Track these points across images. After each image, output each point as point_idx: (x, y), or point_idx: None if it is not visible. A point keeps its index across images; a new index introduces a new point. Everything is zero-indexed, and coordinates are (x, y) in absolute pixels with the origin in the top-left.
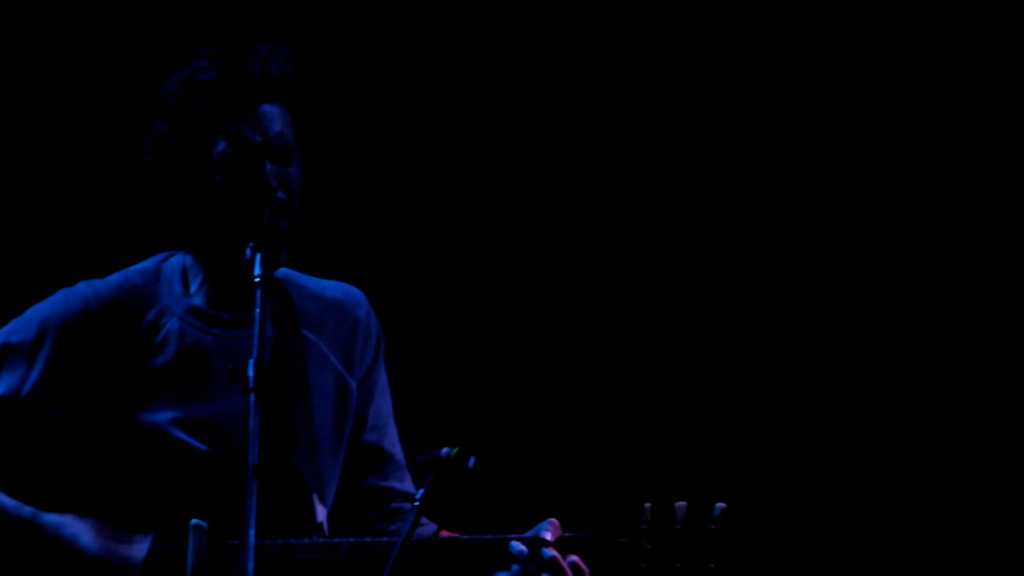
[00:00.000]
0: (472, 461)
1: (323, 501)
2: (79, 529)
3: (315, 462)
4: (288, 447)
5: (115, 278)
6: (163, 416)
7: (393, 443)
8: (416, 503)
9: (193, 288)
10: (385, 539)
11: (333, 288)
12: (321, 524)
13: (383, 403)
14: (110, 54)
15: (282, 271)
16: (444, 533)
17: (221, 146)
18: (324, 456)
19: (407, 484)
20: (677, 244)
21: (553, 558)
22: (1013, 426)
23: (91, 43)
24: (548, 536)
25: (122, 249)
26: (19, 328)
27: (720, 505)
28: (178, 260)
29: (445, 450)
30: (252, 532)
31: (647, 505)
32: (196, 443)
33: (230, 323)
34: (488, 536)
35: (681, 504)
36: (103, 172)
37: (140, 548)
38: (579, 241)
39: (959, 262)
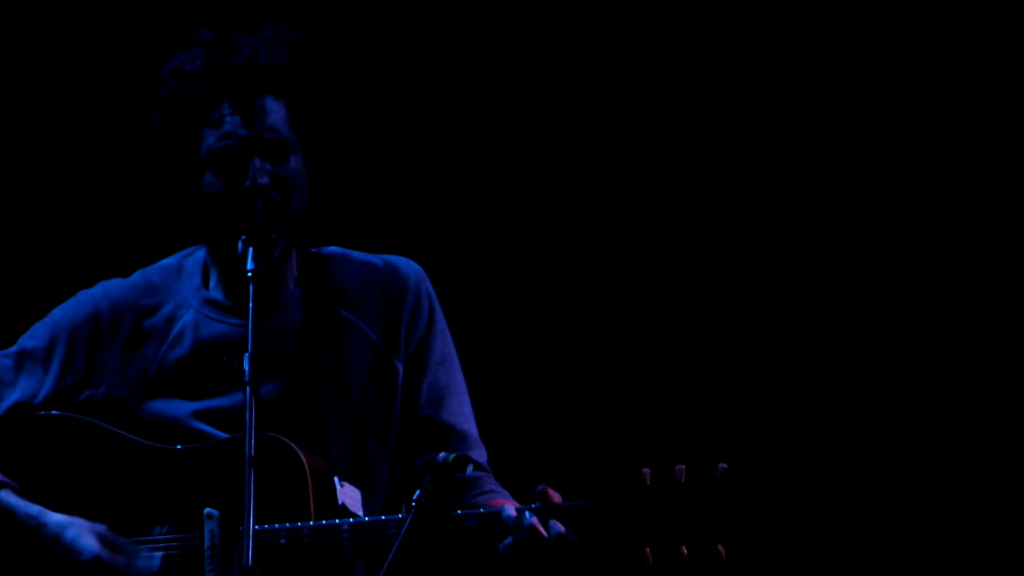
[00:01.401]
0: (470, 469)
1: (369, 481)
2: (81, 532)
3: (355, 443)
4: (316, 431)
5: (134, 277)
6: (183, 408)
7: (454, 414)
8: (412, 504)
9: (212, 281)
10: (383, 518)
11: (381, 262)
12: (344, 505)
13: (441, 375)
14: (126, 44)
15: (332, 249)
16: (498, 501)
17: (209, 140)
18: (366, 436)
19: (475, 453)
20: (675, 245)
21: (531, 525)
22: (1013, 424)
23: (111, 35)
24: (527, 513)
25: (155, 245)
26: (35, 333)
27: (721, 465)
28: (200, 255)
29: (442, 455)
30: (251, 520)
31: (646, 470)
32: (217, 432)
33: (246, 312)
34: (482, 510)
35: (680, 467)
36: (130, 169)
37: (147, 563)
38: (570, 220)
39: (959, 262)
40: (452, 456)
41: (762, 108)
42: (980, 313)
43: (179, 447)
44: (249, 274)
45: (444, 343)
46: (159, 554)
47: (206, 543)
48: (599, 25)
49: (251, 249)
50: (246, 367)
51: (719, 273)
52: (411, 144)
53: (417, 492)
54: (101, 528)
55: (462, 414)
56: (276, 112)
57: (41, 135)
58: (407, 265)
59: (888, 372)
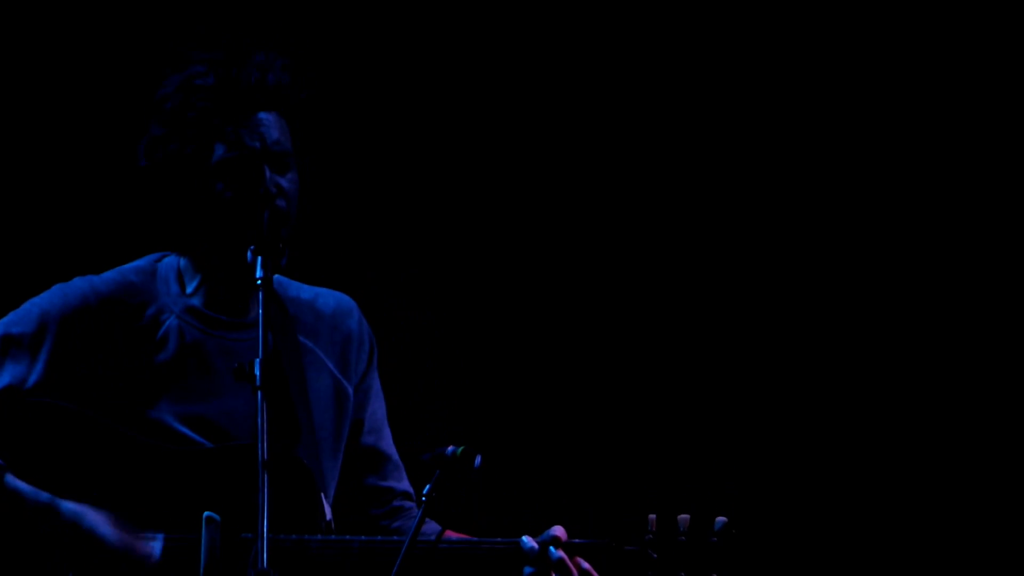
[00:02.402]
0: (478, 460)
1: (327, 498)
2: (97, 520)
3: (317, 461)
4: (290, 446)
5: (110, 275)
6: (167, 411)
7: (389, 444)
8: (423, 499)
9: (190, 289)
10: (396, 538)
11: (326, 296)
12: (330, 522)
13: (378, 407)
14: (105, 54)
15: (276, 278)
16: (449, 533)
17: (220, 151)
18: (325, 457)
19: (404, 483)
20: (682, 254)
21: (560, 559)
22: (1013, 426)
23: (86, 43)
24: (555, 541)
25: (113, 248)
26: (19, 320)
27: (720, 519)
28: (172, 261)
29: (451, 448)
30: (265, 525)
31: (651, 516)
32: (200, 439)
33: (228, 325)
34: (499, 539)
35: (684, 516)
36: (98, 172)
37: (156, 545)
38: (585, 253)
39: (959, 262)
40: (460, 449)
41: (762, 108)
42: (980, 315)
43: (177, 448)
44: (259, 282)
45: (377, 377)
46: (161, 535)
47: (204, 546)
48: (597, 25)
49: (260, 258)
50: (257, 372)
51: (719, 294)
52: (405, 148)
53: (427, 487)
54: (110, 514)
55: (393, 444)
56: (281, 127)
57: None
58: (348, 301)
59: (887, 411)
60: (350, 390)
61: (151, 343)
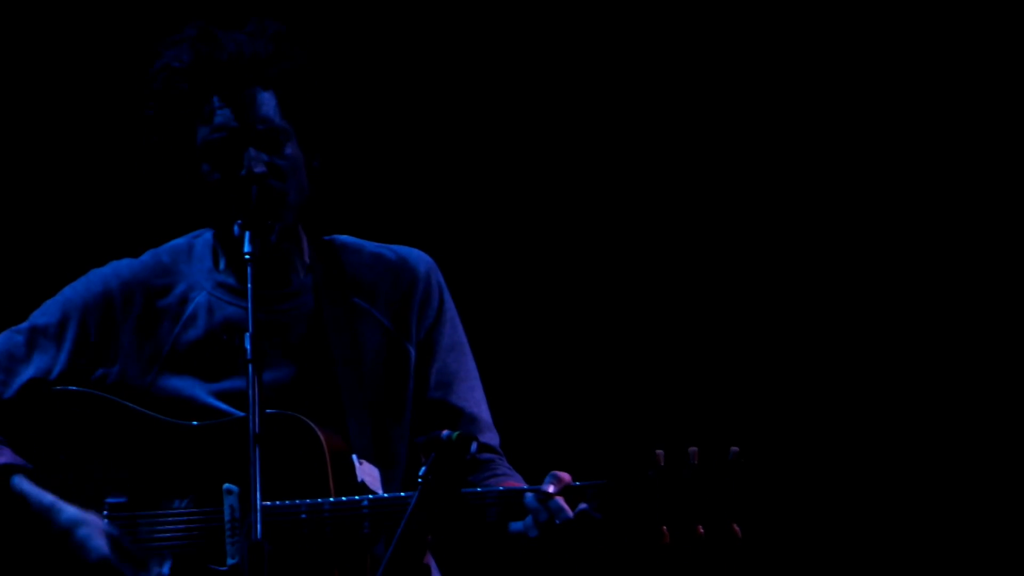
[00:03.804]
0: (474, 447)
1: (388, 460)
2: (92, 533)
3: (371, 424)
4: (332, 412)
5: (144, 257)
6: (199, 388)
7: (463, 398)
8: (419, 482)
9: (222, 264)
10: (403, 494)
11: (392, 252)
12: (363, 483)
13: (450, 360)
14: (124, 39)
15: (344, 238)
16: (510, 483)
17: (202, 133)
18: (383, 417)
19: (487, 436)
20: (680, 208)
21: (559, 506)
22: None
23: (109, 29)
24: (551, 488)
25: (163, 227)
26: (47, 310)
27: (733, 448)
28: (209, 236)
29: (446, 432)
30: (258, 497)
31: (659, 451)
32: (235, 411)
33: (259, 297)
34: (501, 488)
35: (693, 449)
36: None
37: (156, 571)
38: (581, 204)
39: (960, 259)
40: (456, 434)
41: (762, 108)
42: (981, 308)
43: (196, 423)
44: (246, 257)
45: (454, 331)
46: (168, 563)
47: (226, 517)
48: (607, 19)
49: (247, 233)
50: (247, 346)
51: (728, 263)
52: (421, 135)
53: (423, 469)
54: (114, 531)
55: (472, 398)
56: (266, 102)
57: (42, 124)
58: (418, 255)
59: (893, 361)
60: (410, 347)
61: (179, 322)
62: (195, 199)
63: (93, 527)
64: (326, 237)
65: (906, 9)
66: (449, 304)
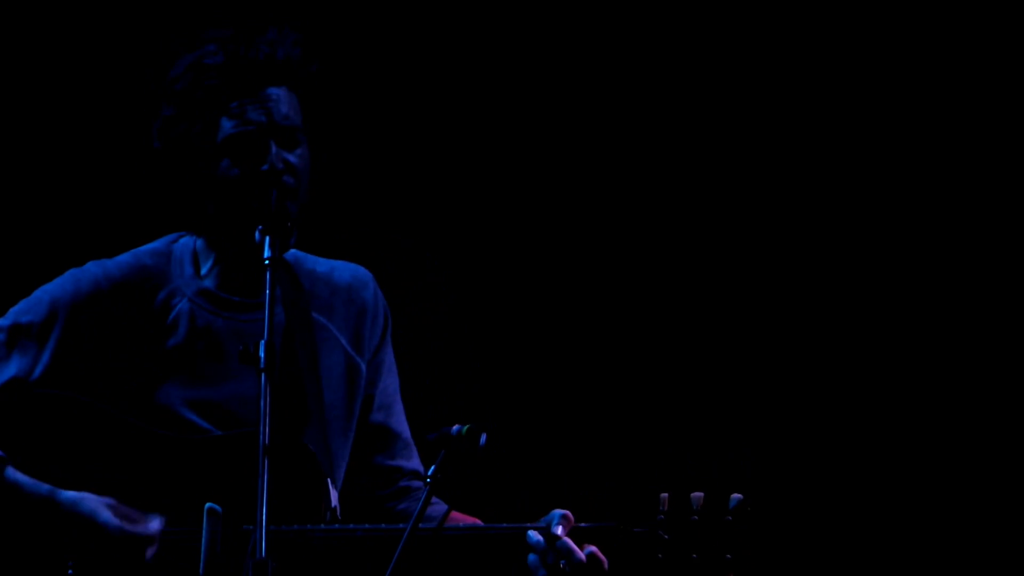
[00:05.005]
0: (484, 438)
1: (334, 482)
2: (96, 505)
3: (326, 443)
4: (299, 429)
5: (125, 258)
6: (175, 397)
7: (399, 422)
8: (428, 480)
9: (204, 270)
10: (401, 525)
11: (341, 269)
12: (335, 508)
13: (389, 382)
14: (122, 39)
15: (292, 253)
16: (456, 514)
17: (227, 127)
18: (335, 437)
19: (414, 462)
20: (689, 244)
21: (568, 547)
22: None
23: (104, 28)
24: (559, 530)
25: (131, 230)
26: (29, 308)
27: (736, 496)
28: (188, 242)
29: (456, 427)
30: (264, 513)
31: (664, 495)
32: (207, 425)
33: (240, 306)
34: (505, 524)
35: (697, 495)
36: (112, 155)
37: (155, 525)
38: (595, 238)
39: (960, 262)
40: (465, 428)
41: (761, 108)
42: (982, 313)
43: (182, 436)
44: (267, 262)
45: (391, 351)
46: (159, 519)
47: (204, 538)
48: (602, 19)
49: (268, 238)
50: (262, 354)
51: (733, 274)
52: (414, 136)
53: (432, 468)
54: (111, 500)
55: (404, 422)
56: (290, 102)
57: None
58: (365, 273)
59: (901, 397)
60: (363, 366)
61: (162, 328)
62: (207, 196)
63: (95, 501)
64: None
65: (906, 9)
66: (390, 324)
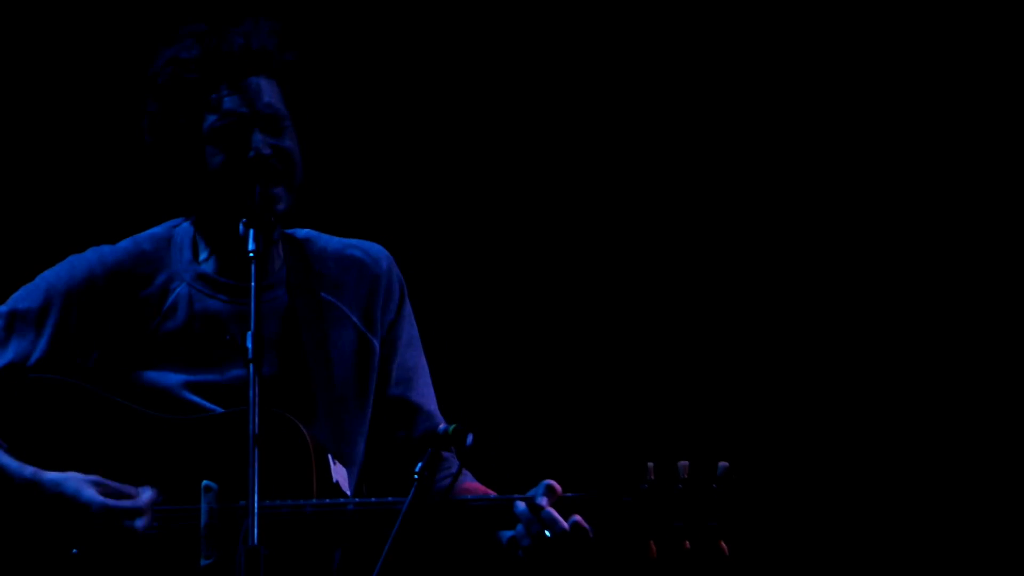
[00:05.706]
0: (470, 438)
1: (348, 459)
2: (79, 484)
3: (338, 421)
4: (306, 409)
5: (125, 244)
6: (175, 379)
7: (421, 395)
8: (415, 478)
9: (203, 256)
10: (390, 499)
11: (354, 247)
12: (337, 483)
13: (408, 356)
14: (122, 29)
15: (305, 232)
16: (470, 484)
17: (210, 120)
18: (348, 415)
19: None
20: (673, 217)
21: (552, 517)
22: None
23: (104, 18)
24: (543, 501)
25: (134, 216)
26: (27, 295)
27: (723, 464)
28: (188, 227)
29: (443, 426)
30: (256, 501)
31: (650, 464)
32: (210, 406)
33: (238, 290)
34: (493, 496)
35: (684, 463)
36: (118, 142)
37: (145, 497)
38: (573, 208)
39: (959, 261)
40: (452, 427)
41: (761, 108)
42: (980, 311)
43: (176, 416)
44: (251, 255)
45: (411, 326)
46: (150, 491)
47: (203, 515)
48: (596, 20)
49: (251, 231)
50: (249, 345)
51: (720, 268)
52: (408, 132)
53: (419, 465)
54: (95, 477)
55: (428, 395)
56: (271, 91)
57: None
58: (378, 249)
59: (885, 368)
60: (375, 342)
61: (159, 312)
62: (194, 187)
63: (79, 481)
64: (288, 231)
65: (906, 9)
66: (407, 299)
